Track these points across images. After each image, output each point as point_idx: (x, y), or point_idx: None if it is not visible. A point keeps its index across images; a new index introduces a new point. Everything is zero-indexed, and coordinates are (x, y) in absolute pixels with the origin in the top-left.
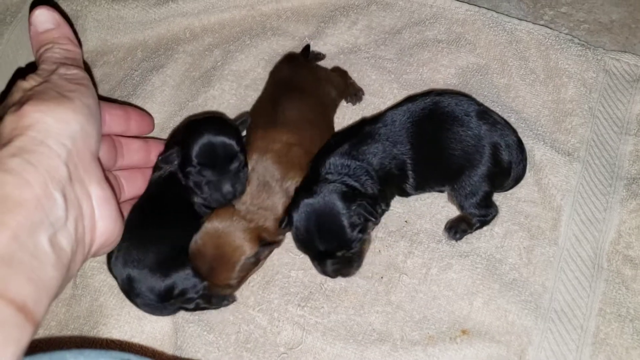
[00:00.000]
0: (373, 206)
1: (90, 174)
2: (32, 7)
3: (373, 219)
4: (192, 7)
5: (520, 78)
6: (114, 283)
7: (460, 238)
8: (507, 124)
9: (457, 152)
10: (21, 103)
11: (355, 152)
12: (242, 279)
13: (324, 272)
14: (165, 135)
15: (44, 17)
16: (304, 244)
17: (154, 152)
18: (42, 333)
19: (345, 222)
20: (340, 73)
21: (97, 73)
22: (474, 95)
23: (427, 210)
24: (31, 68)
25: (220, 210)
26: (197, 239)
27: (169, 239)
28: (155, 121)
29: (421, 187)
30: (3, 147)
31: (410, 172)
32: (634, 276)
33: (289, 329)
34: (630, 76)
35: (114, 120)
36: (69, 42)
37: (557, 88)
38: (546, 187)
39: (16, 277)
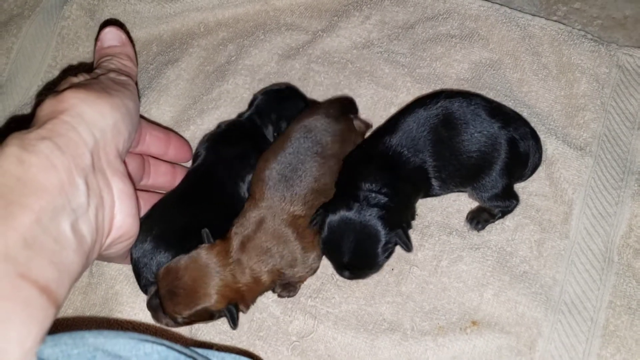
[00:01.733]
0: (408, 222)
1: (113, 168)
2: (53, 2)
3: (407, 249)
4: (207, 2)
5: (533, 73)
6: (130, 272)
7: (483, 228)
8: (519, 116)
9: (475, 155)
10: (64, 90)
11: (387, 165)
12: (185, 324)
13: (341, 275)
14: (179, 128)
15: (111, 35)
16: (332, 254)
17: (180, 177)
18: (59, 318)
19: (380, 251)
20: (364, 124)
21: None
22: (486, 90)
23: (438, 203)
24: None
25: (219, 248)
26: (181, 260)
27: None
28: (170, 114)
29: (443, 190)
30: (36, 128)
31: (432, 179)
32: None
33: (301, 318)
34: None
35: (154, 142)
36: (128, 59)
37: (569, 83)
38: (558, 181)
39: (39, 259)
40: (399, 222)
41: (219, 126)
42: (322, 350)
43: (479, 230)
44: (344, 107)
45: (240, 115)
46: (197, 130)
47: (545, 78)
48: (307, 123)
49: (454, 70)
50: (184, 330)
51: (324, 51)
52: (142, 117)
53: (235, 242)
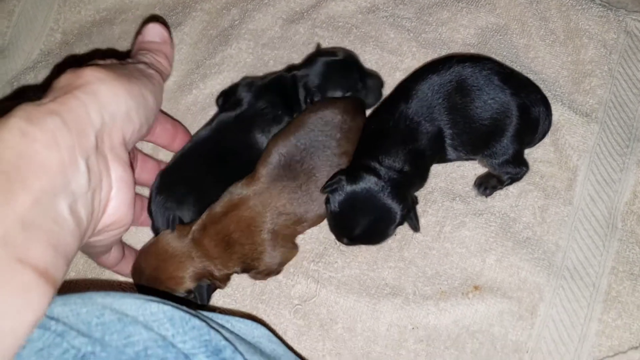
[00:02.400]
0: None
1: (115, 154)
2: None
3: (415, 230)
4: None
5: (540, 39)
6: (134, 239)
7: (491, 194)
8: (530, 82)
9: (487, 121)
10: (85, 66)
11: (406, 137)
12: None
13: (340, 241)
14: (182, 92)
15: (154, 31)
16: (342, 224)
17: None
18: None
19: (391, 232)
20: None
21: (115, 31)
22: (493, 56)
23: (442, 169)
24: None
25: (179, 232)
26: (141, 256)
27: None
28: (173, 79)
29: (456, 157)
30: (48, 101)
31: (447, 147)
32: None
33: (304, 282)
34: None
35: (163, 134)
36: (164, 57)
37: (576, 49)
38: (563, 147)
39: (38, 242)
40: (413, 200)
41: (264, 77)
42: (324, 314)
43: (486, 196)
44: (361, 104)
45: (289, 70)
46: (199, 95)
47: (552, 44)
48: (324, 115)
49: (460, 36)
50: None
51: (328, 15)
52: None
53: (198, 223)
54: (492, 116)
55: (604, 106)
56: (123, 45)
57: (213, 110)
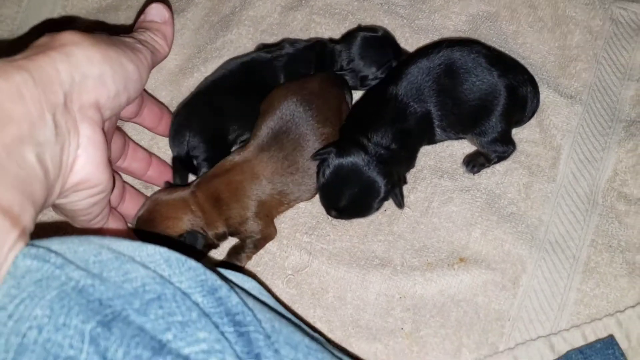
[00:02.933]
0: (404, 178)
1: (84, 114)
2: None
3: (399, 207)
4: None
5: (529, 25)
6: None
7: (478, 171)
8: (517, 63)
9: (475, 102)
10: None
11: (395, 116)
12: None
13: (328, 213)
14: (183, 75)
15: (156, 10)
16: (329, 195)
17: (155, 169)
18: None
19: (376, 205)
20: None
21: (120, 17)
22: (483, 42)
23: (431, 148)
24: None
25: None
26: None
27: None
28: (175, 62)
29: (445, 138)
30: (20, 58)
31: (436, 128)
32: (627, 211)
33: (297, 254)
34: (636, 24)
35: (149, 115)
36: (162, 37)
37: (563, 35)
38: (547, 127)
39: (1, 182)
40: (399, 177)
41: (308, 40)
42: (315, 283)
43: (474, 173)
44: (338, 79)
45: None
46: (200, 77)
47: (540, 30)
48: (303, 87)
49: (451, 22)
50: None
51: (325, 3)
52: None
53: (196, 180)
54: (480, 97)
55: (588, 89)
56: (128, 31)
57: None
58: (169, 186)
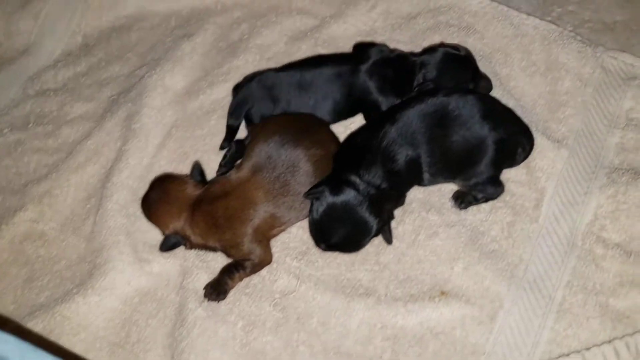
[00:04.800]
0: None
1: None
2: None
3: (388, 243)
4: None
5: (522, 69)
6: (131, 228)
7: (466, 208)
8: (511, 114)
9: (463, 154)
10: None
11: (386, 157)
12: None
13: (318, 246)
14: (189, 97)
15: None
16: (322, 231)
17: None
18: (64, 264)
19: (367, 241)
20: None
21: (132, 37)
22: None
23: None
24: None
25: (190, 190)
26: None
27: None
28: (182, 84)
29: (433, 182)
30: None
31: (425, 172)
32: (604, 255)
33: (285, 278)
34: (626, 74)
35: None
36: None
37: (554, 80)
38: (533, 169)
39: None
40: (388, 215)
41: (393, 50)
42: (301, 308)
43: (462, 209)
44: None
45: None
46: (205, 100)
47: (532, 74)
48: (299, 119)
49: None
50: (172, 285)
51: (330, 36)
52: None
53: (203, 190)
54: (468, 149)
55: (575, 134)
56: (139, 51)
57: (217, 115)
58: (188, 176)
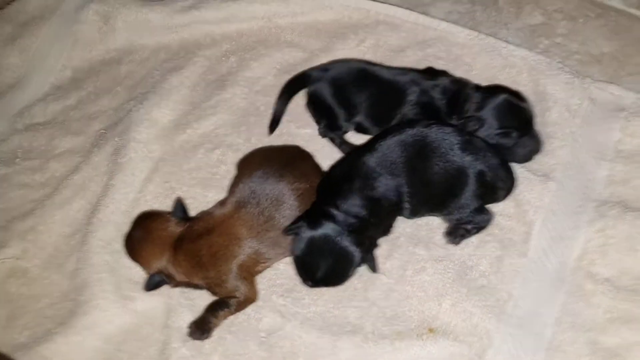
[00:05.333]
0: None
1: None
2: (71, 7)
3: (373, 272)
4: (214, 16)
5: None
6: (115, 265)
7: (459, 242)
8: (490, 148)
9: (444, 186)
10: None
11: (365, 186)
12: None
13: (304, 284)
14: (176, 131)
15: None
16: (306, 268)
17: None
18: (46, 302)
19: (351, 273)
20: None
21: (122, 70)
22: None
23: None
24: None
25: (172, 229)
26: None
27: None
28: (169, 117)
29: (415, 214)
30: None
31: (406, 203)
32: (594, 291)
33: (271, 316)
34: (614, 106)
35: None
36: None
37: (542, 111)
38: (521, 202)
39: None
40: (371, 243)
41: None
42: (287, 347)
43: (457, 244)
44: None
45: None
46: (193, 134)
47: None
48: (283, 151)
49: None
50: (158, 323)
51: None
52: None
53: (185, 227)
54: (447, 181)
55: (563, 166)
56: (128, 84)
57: (204, 148)
58: (170, 213)
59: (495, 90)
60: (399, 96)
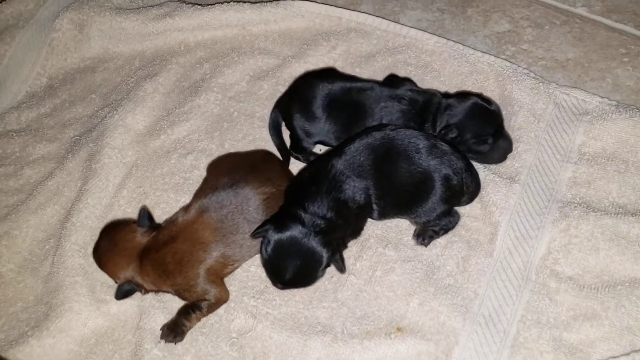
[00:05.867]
0: (344, 243)
1: None
2: (46, 15)
3: (341, 272)
4: (188, 24)
5: None
6: (89, 269)
7: (428, 243)
8: (455, 151)
9: (410, 188)
10: None
11: (332, 188)
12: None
13: (275, 286)
14: (150, 137)
15: None
16: (274, 270)
17: None
18: (20, 306)
19: (319, 273)
20: None
21: (97, 78)
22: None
23: None
24: None
25: (139, 239)
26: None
27: None
28: (143, 124)
29: (383, 216)
30: None
31: (374, 205)
32: (557, 289)
33: (243, 317)
34: (577, 110)
35: None
36: None
37: (508, 116)
38: (487, 204)
39: None
40: (339, 245)
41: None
42: (258, 347)
43: (426, 245)
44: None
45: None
46: (166, 140)
47: None
48: (247, 157)
49: None
50: (130, 325)
51: (291, 75)
52: None
53: (151, 238)
54: (414, 183)
55: (528, 169)
56: (102, 92)
57: (177, 154)
58: (137, 223)
59: (463, 97)
60: (366, 116)
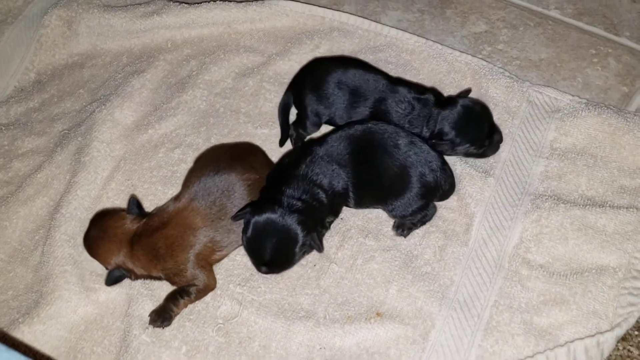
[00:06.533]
0: (322, 225)
1: None
2: (35, 11)
3: (318, 250)
4: (175, 21)
5: None
6: (78, 258)
7: (407, 234)
8: (432, 149)
9: (386, 181)
10: None
11: (310, 172)
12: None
13: (259, 270)
14: (138, 131)
15: None
16: (254, 251)
17: None
18: (10, 294)
19: (297, 250)
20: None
21: (85, 74)
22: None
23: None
24: None
25: (128, 226)
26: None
27: None
28: (131, 119)
29: (359, 205)
30: None
31: (351, 193)
32: (529, 276)
33: (228, 303)
34: (550, 107)
35: None
36: None
37: None
38: (463, 196)
39: None
40: (316, 225)
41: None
42: (244, 332)
43: (405, 236)
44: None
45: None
46: (154, 134)
47: None
48: (230, 149)
49: None
50: (119, 312)
51: (276, 72)
52: None
53: (142, 224)
54: (390, 177)
55: (502, 164)
56: (90, 87)
57: (165, 148)
58: (125, 211)
59: (452, 102)
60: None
